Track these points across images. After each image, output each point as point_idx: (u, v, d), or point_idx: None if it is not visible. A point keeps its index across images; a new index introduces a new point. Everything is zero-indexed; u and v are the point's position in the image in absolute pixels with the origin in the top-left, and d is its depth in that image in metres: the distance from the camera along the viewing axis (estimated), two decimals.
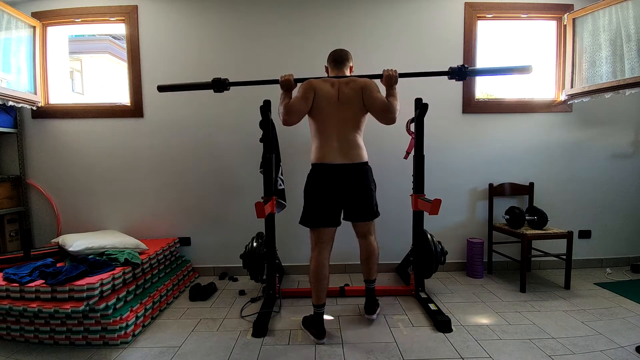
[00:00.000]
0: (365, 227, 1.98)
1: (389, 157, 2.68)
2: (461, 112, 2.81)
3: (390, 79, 1.84)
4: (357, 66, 2.74)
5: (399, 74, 1.88)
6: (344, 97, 1.84)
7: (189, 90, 2.04)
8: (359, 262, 2.81)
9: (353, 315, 2.12)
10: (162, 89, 2.06)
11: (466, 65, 1.91)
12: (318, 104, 1.83)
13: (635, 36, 2.28)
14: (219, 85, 1.96)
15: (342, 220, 1.94)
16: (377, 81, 1.93)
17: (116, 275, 1.94)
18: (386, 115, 1.79)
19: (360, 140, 1.89)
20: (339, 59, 1.96)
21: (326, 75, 2.04)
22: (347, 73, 1.98)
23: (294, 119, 1.81)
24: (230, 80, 2.08)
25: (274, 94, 2.60)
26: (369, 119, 1.93)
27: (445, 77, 2.73)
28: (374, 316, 2.03)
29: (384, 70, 1.85)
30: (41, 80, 2.72)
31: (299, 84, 1.90)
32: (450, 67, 1.95)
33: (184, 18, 2.72)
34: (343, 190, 1.83)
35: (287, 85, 1.86)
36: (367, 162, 1.89)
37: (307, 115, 1.89)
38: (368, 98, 1.82)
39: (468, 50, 2.75)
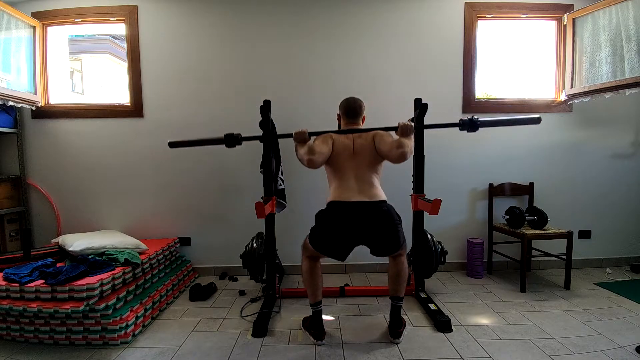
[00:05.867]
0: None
1: None
2: (461, 112, 2.81)
3: (405, 129, 1.77)
4: (357, 65, 2.76)
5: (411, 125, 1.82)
6: (358, 147, 1.87)
7: (201, 145, 2.03)
8: (359, 263, 2.84)
9: (353, 315, 2.12)
10: (172, 144, 2.00)
11: (476, 117, 1.88)
12: (335, 151, 1.85)
13: (635, 36, 2.28)
14: (231, 140, 1.92)
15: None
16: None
17: (116, 275, 1.94)
18: (395, 150, 1.72)
19: (378, 183, 1.86)
20: (352, 111, 1.96)
21: (337, 122, 2.09)
22: (361, 124, 2.00)
23: (319, 158, 1.78)
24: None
25: (274, 94, 2.62)
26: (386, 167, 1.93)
27: (445, 77, 2.78)
28: (400, 339, 1.81)
29: (399, 123, 1.81)
30: (41, 80, 2.72)
31: (312, 137, 1.90)
32: (461, 119, 1.91)
33: (184, 18, 2.72)
34: (362, 228, 1.74)
35: (301, 137, 1.84)
36: (385, 200, 1.81)
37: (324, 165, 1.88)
38: (379, 142, 1.83)
39: (468, 50, 2.75)
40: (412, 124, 1.80)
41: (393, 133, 1.87)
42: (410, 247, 2.42)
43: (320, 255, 1.85)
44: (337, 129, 2.04)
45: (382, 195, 1.81)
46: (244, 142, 2.70)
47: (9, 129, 2.67)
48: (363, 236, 1.76)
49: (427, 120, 2.30)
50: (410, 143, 1.74)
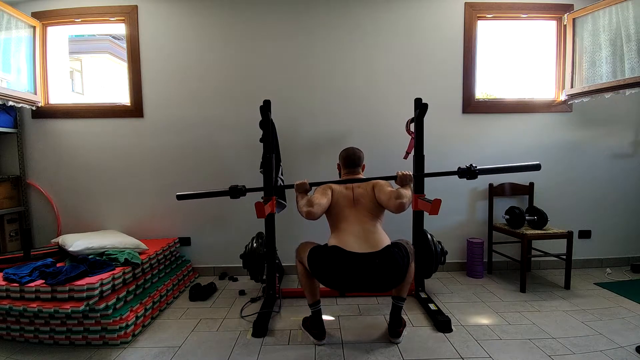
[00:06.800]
0: None
1: (389, 157, 2.68)
2: (461, 112, 2.81)
3: (404, 179, 1.84)
4: (357, 65, 2.76)
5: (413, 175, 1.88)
6: (358, 196, 1.90)
7: (207, 197, 2.04)
8: None
9: (353, 315, 2.12)
10: (180, 197, 2.01)
11: (474, 165, 1.89)
12: (335, 202, 1.89)
13: (635, 36, 2.28)
14: (236, 192, 1.95)
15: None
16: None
17: (116, 275, 1.94)
18: (394, 200, 1.73)
19: (380, 227, 1.86)
20: (352, 162, 2.03)
21: (338, 171, 2.15)
22: (361, 173, 2.05)
23: (318, 210, 1.78)
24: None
25: (274, 94, 2.62)
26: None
27: (445, 77, 2.78)
28: (400, 339, 1.81)
29: (397, 173, 1.87)
30: (41, 80, 2.72)
31: (313, 187, 1.95)
32: (459, 167, 1.92)
33: (183, 18, 2.72)
34: (367, 280, 1.68)
35: (302, 187, 1.89)
36: (389, 244, 1.76)
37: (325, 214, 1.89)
38: (378, 191, 1.86)
39: (468, 50, 2.75)
40: (411, 174, 1.86)
41: (393, 182, 1.92)
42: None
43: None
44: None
45: (385, 241, 1.77)
46: (243, 138, 2.73)
47: (9, 129, 2.67)
48: (368, 286, 1.71)
49: (427, 119, 2.30)
50: (408, 193, 1.78)
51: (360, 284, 1.70)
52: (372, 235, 1.78)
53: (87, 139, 2.78)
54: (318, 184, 1.96)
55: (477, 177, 1.91)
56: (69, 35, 3.08)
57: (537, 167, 1.90)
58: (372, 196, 1.88)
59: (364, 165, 2.09)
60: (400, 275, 1.72)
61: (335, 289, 1.79)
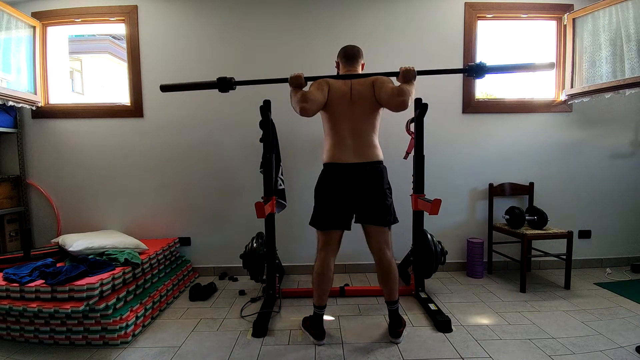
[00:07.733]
0: (380, 236, 1.80)
1: (389, 157, 2.64)
2: (461, 112, 2.81)
3: (407, 75, 1.71)
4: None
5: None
6: (356, 94, 1.77)
7: (192, 90, 1.93)
8: (359, 263, 2.85)
9: (353, 315, 2.12)
10: (164, 88, 1.91)
11: (484, 62, 1.76)
12: (332, 100, 1.77)
13: (635, 36, 2.28)
14: (225, 85, 1.82)
15: (352, 224, 1.86)
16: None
17: (116, 275, 1.94)
18: (396, 98, 1.63)
19: (375, 139, 1.80)
20: (350, 56, 1.88)
21: (336, 70, 2.00)
22: (359, 70, 1.91)
23: (312, 106, 1.69)
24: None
25: (275, 94, 2.61)
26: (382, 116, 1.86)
27: (445, 77, 2.77)
28: (400, 339, 1.80)
29: (400, 68, 1.75)
30: (41, 80, 2.72)
31: (309, 83, 1.84)
32: (468, 64, 1.85)
33: (184, 18, 2.72)
34: (356, 191, 1.74)
35: (297, 81, 1.76)
36: (381, 161, 1.79)
37: (320, 112, 1.82)
38: (379, 88, 1.72)
39: (468, 49, 2.75)
40: (414, 70, 1.73)
41: (394, 79, 1.80)
42: (410, 247, 2.42)
43: (331, 243, 1.81)
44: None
45: (378, 155, 1.78)
46: (242, 138, 2.73)
47: (9, 129, 2.67)
48: (357, 198, 1.75)
49: (427, 119, 2.30)
50: (411, 90, 1.67)
51: (351, 194, 1.74)
52: (367, 148, 1.76)
53: (87, 139, 2.78)
54: (314, 79, 1.82)
55: (484, 76, 1.81)
56: (69, 35, 3.08)
57: (551, 66, 1.84)
58: (372, 95, 1.74)
59: (363, 63, 1.94)
60: (381, 196, 1.76)
61: (336, 213, 1.77)
